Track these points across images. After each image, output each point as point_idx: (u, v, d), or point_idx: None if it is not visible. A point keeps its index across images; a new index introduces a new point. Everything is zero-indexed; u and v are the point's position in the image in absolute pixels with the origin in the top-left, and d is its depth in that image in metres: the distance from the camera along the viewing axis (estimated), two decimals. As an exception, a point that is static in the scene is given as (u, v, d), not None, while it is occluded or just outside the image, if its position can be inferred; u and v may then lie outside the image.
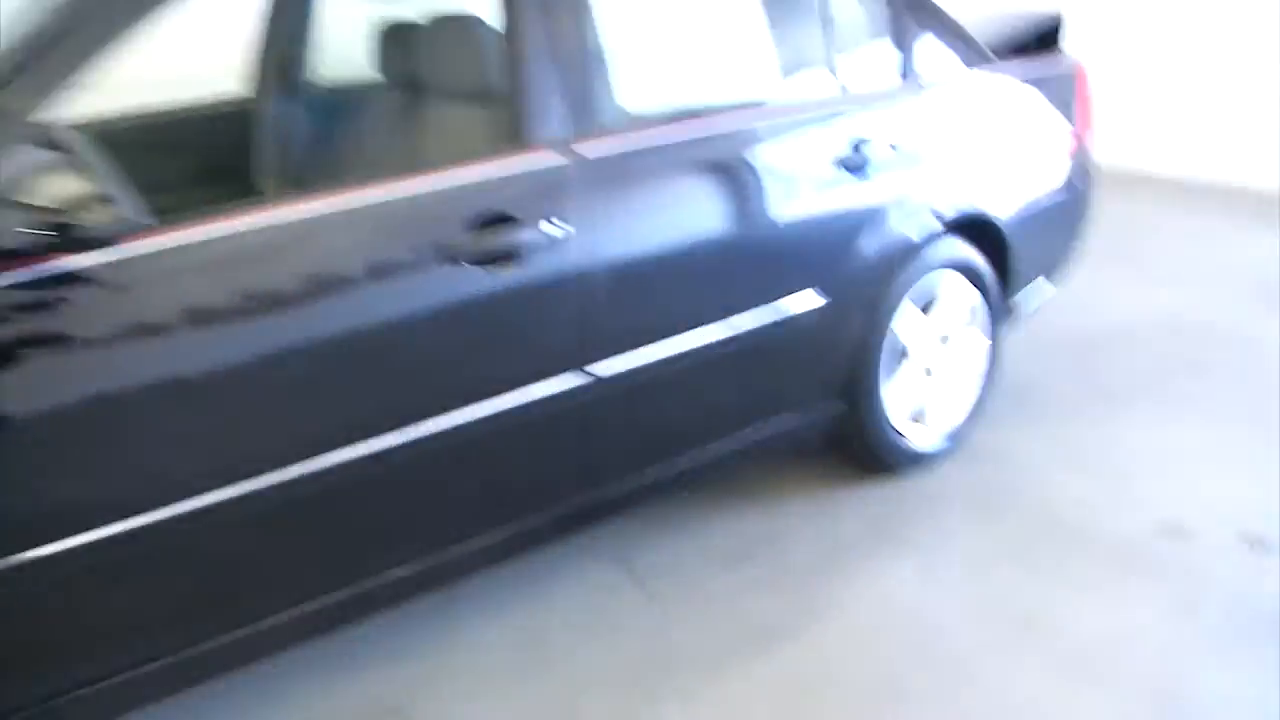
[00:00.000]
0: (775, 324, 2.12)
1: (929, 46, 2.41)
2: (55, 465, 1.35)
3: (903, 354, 2.47)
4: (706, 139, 2.00)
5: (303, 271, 1.52)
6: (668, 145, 1.95)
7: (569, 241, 1.74)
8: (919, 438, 2.57)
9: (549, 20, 1.79)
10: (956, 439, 2.66)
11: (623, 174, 1.85)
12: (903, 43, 2.37)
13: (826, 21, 2.24)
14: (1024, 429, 2.82)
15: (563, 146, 1.77)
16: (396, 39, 2.38)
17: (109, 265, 1.34)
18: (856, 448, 2.51)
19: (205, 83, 2.73)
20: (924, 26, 2.41)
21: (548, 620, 2.08)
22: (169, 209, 1.42)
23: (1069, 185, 2.83)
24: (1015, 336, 3.10)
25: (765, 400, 2.25)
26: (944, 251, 2.44)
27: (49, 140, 1.27)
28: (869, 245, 2.23)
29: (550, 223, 1.71)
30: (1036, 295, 2.89)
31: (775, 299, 2.12)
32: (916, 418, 2.57)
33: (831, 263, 2.19)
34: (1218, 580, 2.16)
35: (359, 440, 1.60)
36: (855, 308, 2.28)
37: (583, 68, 1.82)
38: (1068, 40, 2.98)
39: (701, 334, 2.00)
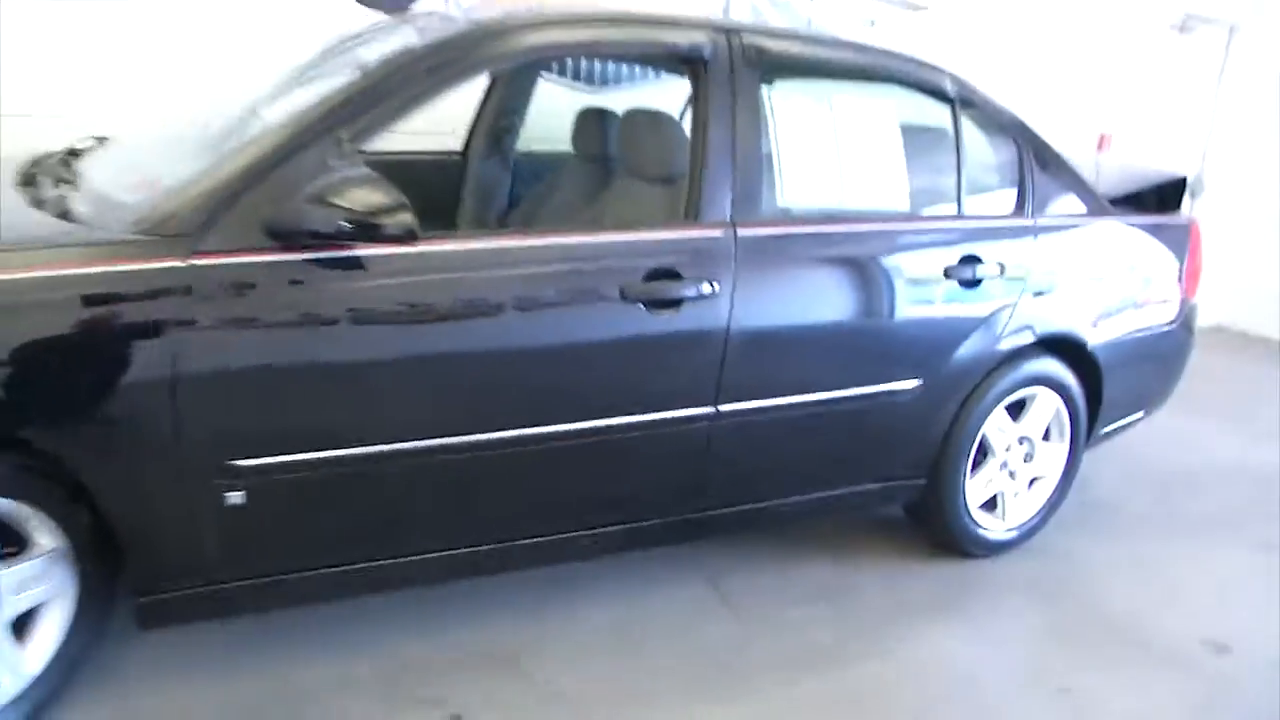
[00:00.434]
0: (877, 400, 2.49)
1: (1045, 186, 2.79)
2: (329, 393, 1.84)
3: (988, 450, 2.80)
4: (842, 237, 2.42)
5: (517, 288, 1.99)
6: (810, 237, 2.38)
7: (720, 300, 2.17)
8: (991, 527, 2.88)
9: (730, 127, 2.25)
10: (1026, 534, 2.95)
11: (771, 254, 2.28)
12: (1023, 181, 2.75)
13: (960, 153, 2.65)
14: (1093, 538, 3.10)
15: (726, 226, 2.22)
16: (592, 121, 2.90)
17: (388, 257, 1.83)
18: (933, 525, 2.83)
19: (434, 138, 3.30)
20: (1043, 170, 2.79)
21: (644, 616, 2.45)
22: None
23: (1169, 327, 3.13)
24: (1108, 460, 3.38)
25: (858, 463, 2.61)
26: (1037, 366, 2.77)
27: (363, 163, 1.78)
28: (968, 348, 2.59)
29: (708, 283, 2.15)
30: (1124, 418, 3.17)
31: (880, 379, 2.50)
32: (991, 508, 2.88)
33: (934, 357, 2.56)
34: (1245, 691, 2.40)
35: (531, 425, 2.05)
36: (949, 400, 2.63)
37: (751, 167, 2.27)
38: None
39: (813, 396, 2.39)
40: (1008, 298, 2.64)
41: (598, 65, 4.05)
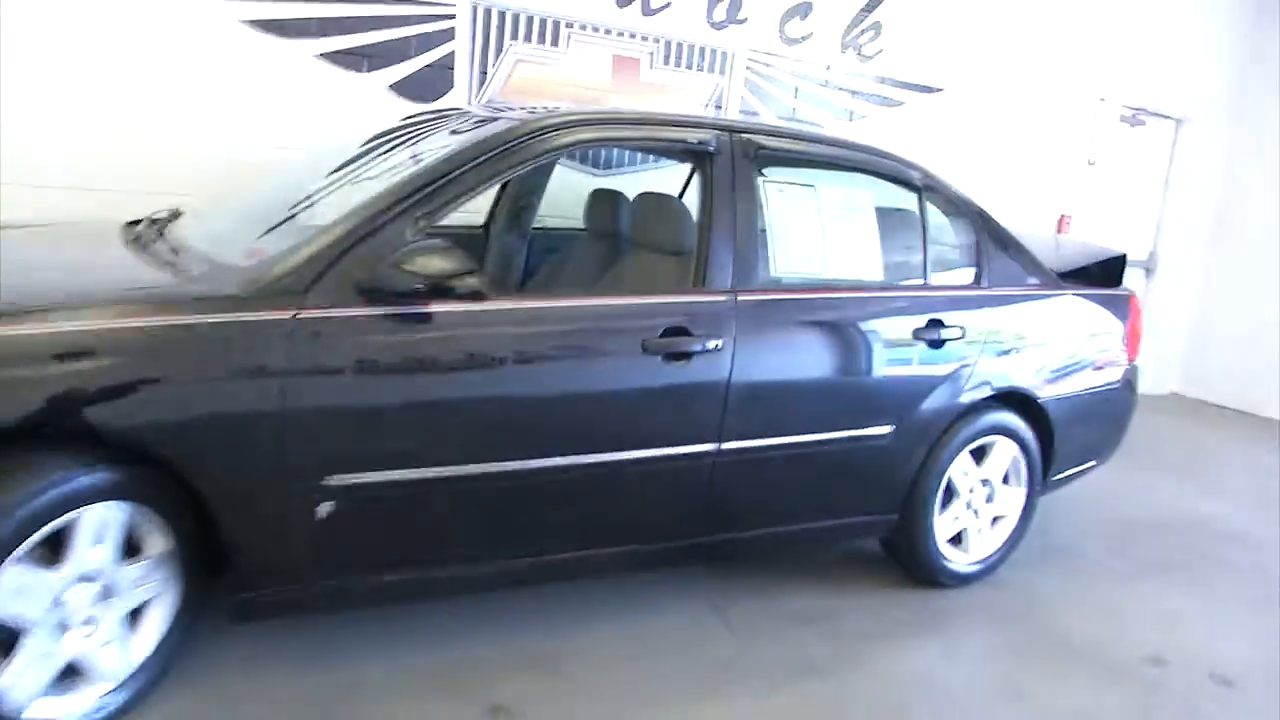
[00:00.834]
0: (855, 442, 2.89)
1: (1000, 262, 3.24)
2: (406, 424, 2.22)
3: (954, 491, 3.19)
4: (825, 302, 2.84)
5: (560, 340, 2.40)
6: (798, 303, 2.79)
7: (723, 354, 2.57)
8: (958, 560, 3.25)
9: (731, 209, 2.68)
10: (988, 567, 3.32)
11: (765, 317, 2.69)
12: (980, 257, 3.20)
13: (924, 233, 3.09)
14: (1049, 574, 3.48)
15: (729, 293, 2.63)
16: (603, 200, 3.35)
17: (458, 313, 2.24)
18: (906, 557, 3.21)
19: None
20: (999, 248, 3.25)
21: (651, 631, 2.79)
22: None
23: (1114, 386, 3.56)
24: (1069, 510, 3.76)
25: (839, 498, 2.99)
26: (995, 417, 3.18)
27: (435, 236, 2.20)
28: (934, 400, 3.00)
29: (714, 340, 2.56)
30: (1076, 467, 3.58)
31: (857, 425, 2.89)
32: (958, 543, 3.25)
33: (904, 407, 2.96)
34: (1179, 695, 2.76)
35: (567, 454, 2.43)
36: (919, 445, 3.02)
37: (749, 243, 2.69)
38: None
39: (801, 437, 2.77)
40: (968, 357, 3.05)
41: (604, 152, 4.52)
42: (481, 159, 2.38)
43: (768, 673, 2.65)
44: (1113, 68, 6.31)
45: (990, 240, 3.24)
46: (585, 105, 4.31)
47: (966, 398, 3.06)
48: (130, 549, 2.12)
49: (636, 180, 4.28)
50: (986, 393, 3.11)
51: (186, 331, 2.02)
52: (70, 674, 2.08)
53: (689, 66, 4.72)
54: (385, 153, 2.76)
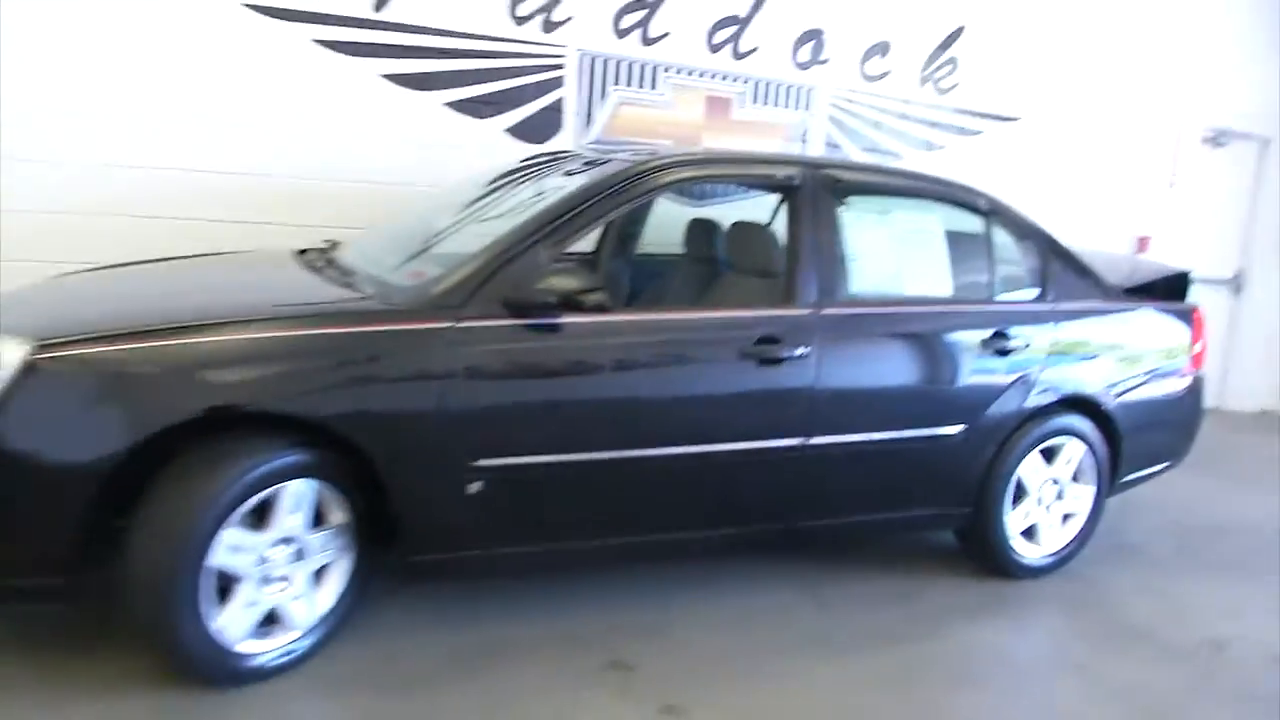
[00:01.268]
0: (928, 440, 3.22)
1: (1064, 279, 3.54)
2: (541, 416, 2.66)
3: (1025, 489, 3.48)
4: (899, 316, 3.20)
5: (673, 347, 2.82)
6: (874, 316, 3.16)
7: (809, 360, 2.95)
8: (1029, 553, 3.54)
9: (815, 235, 3.07)
10: (1059, 561, 3.60)
11: (845, 328, 3.06)
12: (1044, 275, 3.51)
13: (991, 252, 3.42)
14: (1119, 568, 3.73)
15: (813, 307, 3.01)
16: (699, 228, 3.77)
17: (587, 324, 2.67)
18: (978, 548, 3.51)
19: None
20: (1062, 266, 3.56)
21: (750, 606, 3.16)
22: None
23: (1178, 394, 3.81)
24: (1143, 514, 3.98)
25: (914, 490, 3.32)
26: (1062, 420, 3.47)
27: (562, 259, 2.65)
28: (1001, 404, 3.32)
29: (801, 348, 2.94)
30: (1145, 469, 3.83)
31: (931, 424, 3.23)
32: (1030, 537, 3.54)
33: (973, 409, 3.28)
34: (1235, 674, 3.00)
35: (677, 446, 2.83)
36: (988, 444, 3.33)
37: (830, 264, 3.07)
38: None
39: (879, 434, 3.13)
40: (1032, 366, 3.36)
41: (699, 185, 4.95)
42: (600, 196, 2.82)
43: (851, 641, 2.99)
44: (1193, 90, 6.49)
45: (1054, 259, 3.55)
46: (684, 146, 4.77)
47: (1032, 402, 3.37)
48: (317, 519, 2.59)
49: (728, 210, 4.69)
50: (1052, 398, 3.41)
51: (374, 338, 2.49)
52: (268, 621, 2.56)
53: (776, 104, 5.13)
54: (510, 190, 3.24)
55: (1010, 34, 5.73)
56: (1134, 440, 3.66)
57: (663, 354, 2.81)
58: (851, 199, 3.22)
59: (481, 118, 4.42)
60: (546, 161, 3.46)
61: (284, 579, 2.54)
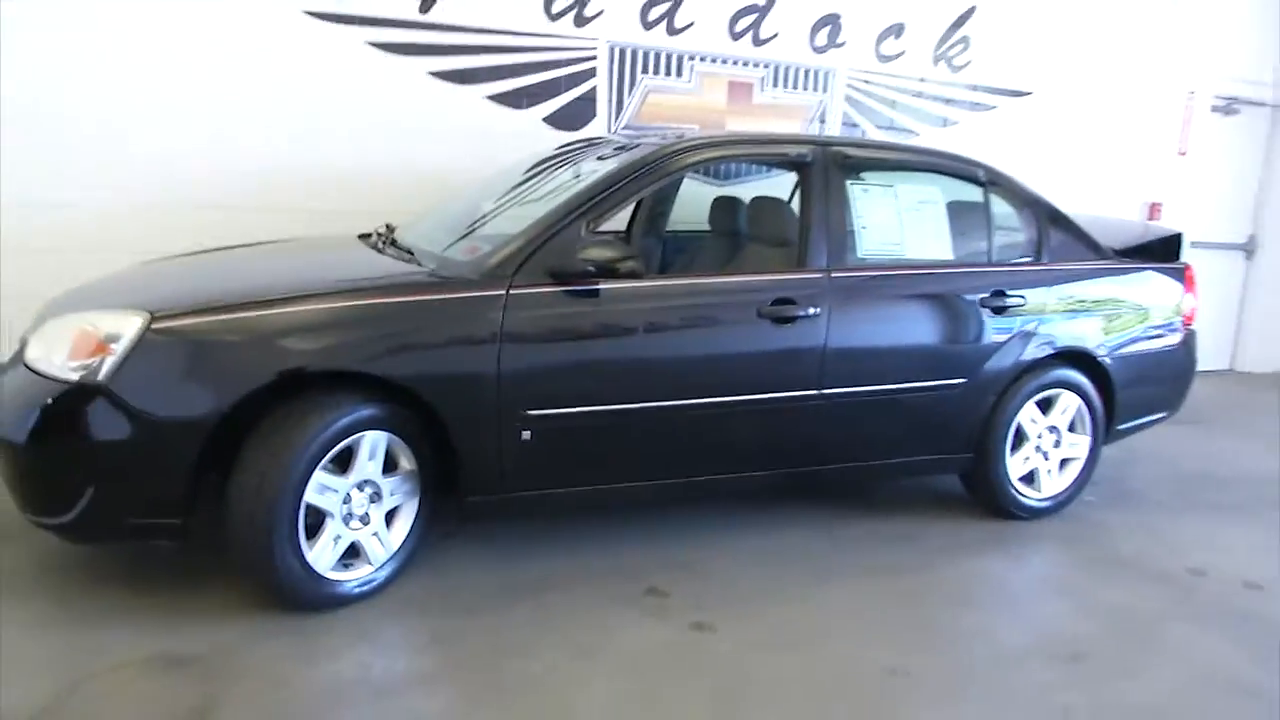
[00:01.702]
0: (932, 391, 3.55)
1: (1059, 242, 3.85)
2: (581, 371, 3.03)
3: (1024, 436, 3.81)
4: (903, 278, 3.53)
5: (698, 309, 3.18)
6: (880, 278, 3.49)
7: (820, 319, 3.30)
8: (1029, 495, 3.86)
9: (825, 206, 3.40)
10: (1057, 504, 3.92)
11: (854, 290, 3.40)
12: (1040, 239, 3.82)
13: (990, 219, 3.74)
14: (1115, 510, 4.05)
15: (824, 271, 3.35)
16: (723, 204, 4.11)
17: (623, 289, 3.04)
18: (982, 491, 3.84)
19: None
20: (1057, 229, 3.86)
21: (771, 543, 3.51)
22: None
23: (1171, 348, 4.10)
24: (1144, 464, 4.25)
25: (921, 437, 3.65)
26: (1057, 373, 3.78)
27: (599, 233, 3.01)
28: (999, 357, 3.64)
29: (813, 308, 3.28)
30: (1139, 419, 4.13)
31: (934, 377, 3.56)
32: (1030, 482, 3.87)
33: (973, 362, 3.60)
34: (1211, 594, 3.31)
35: (703, 397, 3.19)
36: (987, 394, 3.66)
37: (839, 232, 3.41)
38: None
39: (886, 385, 3.47)
40: (1029, 322, 3.68)
41: (723, 166, 5.29)
42: (632, 176, 3.18)
43: (863, 571, 3.35)
44: (1202, 59, 6.69)
45: (1050, 224, 3.86)
46: (708, 129, 5.11)
47: (1029, 355, 3.69)
48: (389, 466, 2.98)
49: (751, 189, 5.03)
50: (1048, 351, 3.73)
51: (442, 304, 2.87)
52: (349, 555, 2.96)
53: (795, 87, 5.45)
54: (549, 174, 3.61)
55: (1021, 10, 5.98)
56: (1128, 392, 3.96)
57: (689, 315, 3.17)
58: (859, 173, 3.55)
59: (520, 108, 4.79)
60: (581, 147, 3.82)
61: (364, 518, 2.94)
